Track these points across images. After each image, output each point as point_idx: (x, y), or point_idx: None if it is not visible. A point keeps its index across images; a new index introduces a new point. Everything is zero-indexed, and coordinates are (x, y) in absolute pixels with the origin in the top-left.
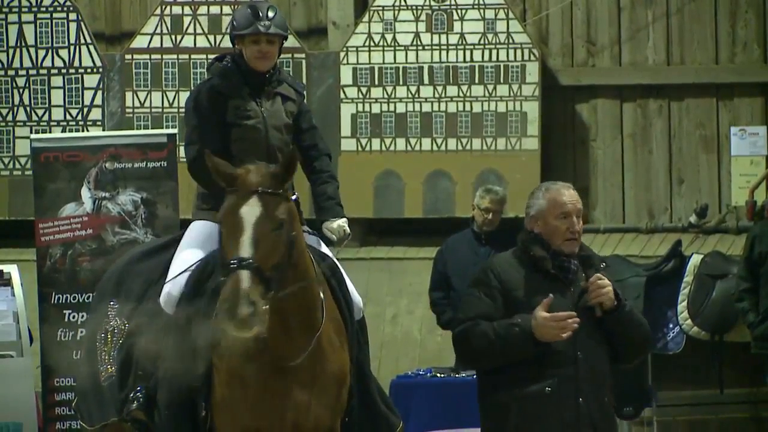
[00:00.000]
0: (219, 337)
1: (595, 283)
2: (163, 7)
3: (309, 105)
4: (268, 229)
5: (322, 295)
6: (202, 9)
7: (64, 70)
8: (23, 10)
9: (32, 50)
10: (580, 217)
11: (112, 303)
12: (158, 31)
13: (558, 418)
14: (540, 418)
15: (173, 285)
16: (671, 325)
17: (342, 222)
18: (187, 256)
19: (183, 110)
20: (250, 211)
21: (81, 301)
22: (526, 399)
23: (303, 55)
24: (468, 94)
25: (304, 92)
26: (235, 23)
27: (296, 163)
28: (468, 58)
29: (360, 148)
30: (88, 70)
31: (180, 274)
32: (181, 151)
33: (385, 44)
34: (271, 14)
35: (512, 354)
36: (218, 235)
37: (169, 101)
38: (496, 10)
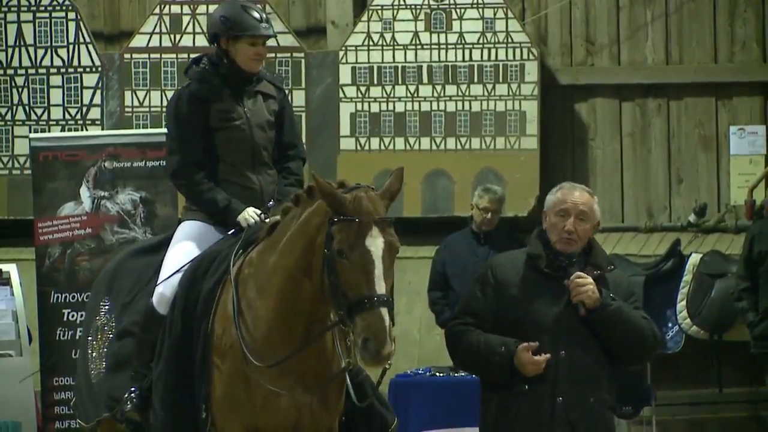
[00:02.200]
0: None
1: (574, 281)
2: (162, 6)
3: (308, 104)
4: (394, 260)
5: None
6: (201, 8)
7: (63, 70)
8: (22, 9)
9: (31, 49)
10: (586, 221)
11: (104, 300)
12: (157, 30)
13: (532, 415)
14: (515, 416)
15: (166, 286)
16: (670, 325)
17: None
18: (178, 256)
19: None
20: (377, 242)
21: (80, 300)
22: (504, 396)
23: (302, 55)
24: (467, 94)
25: (284, 87)
26: (227, 22)
27: (401, 184)
28: (467, 58)
29: (359, 148)
30: (87, 70)
31: (173, 274)
32: None
33: (384, 43)
34: (265, 15)
35: (488, 376)
36: (329, 262)
37: (168, 101)
38: (495, 10)
